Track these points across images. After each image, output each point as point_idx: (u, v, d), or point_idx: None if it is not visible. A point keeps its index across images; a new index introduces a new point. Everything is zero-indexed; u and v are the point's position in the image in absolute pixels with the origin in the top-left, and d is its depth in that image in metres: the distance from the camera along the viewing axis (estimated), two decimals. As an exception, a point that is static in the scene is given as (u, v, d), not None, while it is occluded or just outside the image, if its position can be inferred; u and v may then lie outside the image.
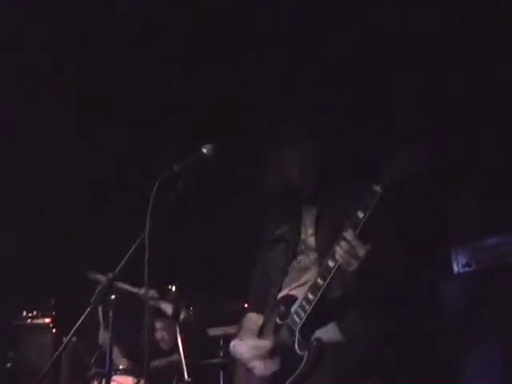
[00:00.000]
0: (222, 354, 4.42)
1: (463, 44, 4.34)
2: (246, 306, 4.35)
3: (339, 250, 2.69)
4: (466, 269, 4.06)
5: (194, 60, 4.99)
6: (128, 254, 2.74)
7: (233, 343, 3.08)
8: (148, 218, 2.69)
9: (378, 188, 2.71)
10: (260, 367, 2.88)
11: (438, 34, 4.38)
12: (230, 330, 4.41)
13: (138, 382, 3.79)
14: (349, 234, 2.68)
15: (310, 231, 3.06)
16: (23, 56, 4.86)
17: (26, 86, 4.99)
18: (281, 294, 3.00)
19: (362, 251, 2.65)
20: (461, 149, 4.31)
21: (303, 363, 2.74)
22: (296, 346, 2.79)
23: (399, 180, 2.71)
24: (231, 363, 3.16)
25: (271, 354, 2.88)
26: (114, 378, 3.74)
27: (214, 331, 4.53)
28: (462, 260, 4.08)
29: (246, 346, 2.98)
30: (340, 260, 2.70)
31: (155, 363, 4.24)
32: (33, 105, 5.09)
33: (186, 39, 4.90)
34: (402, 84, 4.51)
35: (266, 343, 2.92)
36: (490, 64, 4.30)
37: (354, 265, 2.67)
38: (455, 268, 4.10)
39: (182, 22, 4.81)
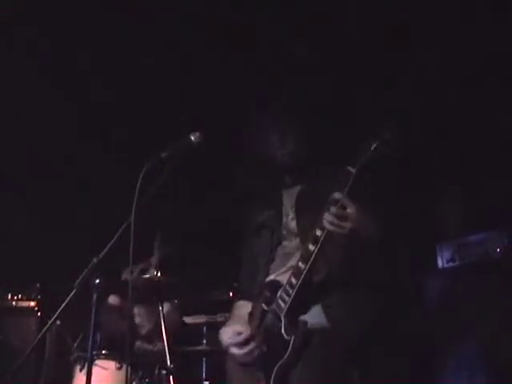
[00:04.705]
0: (205, 342, 4.43)
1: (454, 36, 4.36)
2: (231, 294, 4.41)
3: (328, 216, 2.70)
4: (450, 264, 4.08)
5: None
6: (113, 240, 2.74)
7: (220, 331, 3.14)
8: (134, 204, 2.70)
9: (352, 169, 2.74)
10: (239, 353, 2.95)
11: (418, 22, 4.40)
12: (215, 318, 4.44)
13: (121, 366, 3.79)
14: (338, 194, 2.71)
15: (291, 215, 3.09)
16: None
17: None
18: (267, 280, 3.04)
19: (352, 209, 2.68)
20: (447, 143, 4.33)
21: (290, 348, 2.76)
22: (283, 331, 2.81)
23: (372, 160, 2.74)
24: (221, 353, 3.20)
25: (249, 339, 2.94)
26: (97, 362, 3.74)
27: (189, 319, 4.56)
28: (447, 255, 4.10)
29: (227, 333, 3.06)
30: (329, 226, 2.69)
31: (137, 344, 4.25)
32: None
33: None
34: (386, 73, 4.53)
35: (244, 329, 2.98)
36: (481, 59, 4.31)
37: (346, 227, 2.68)
38: (439, 263, 4.12)
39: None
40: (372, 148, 2.73)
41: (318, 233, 2.76)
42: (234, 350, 2.98)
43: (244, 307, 3.19)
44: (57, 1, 4.69)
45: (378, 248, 2.81)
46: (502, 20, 4.24)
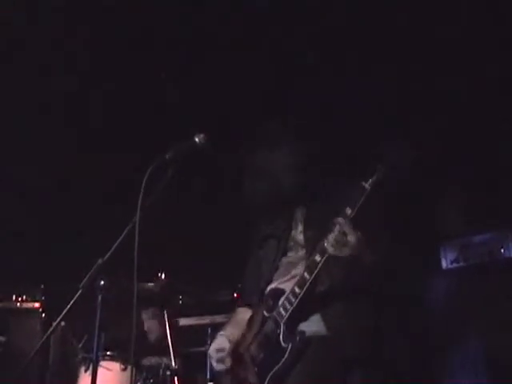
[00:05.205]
0: (209, 342, 4.43)
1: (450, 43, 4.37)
2: (235, 295, 4.42)
3: (331, 238, 2.69)
4: (454, 265, 4.08)
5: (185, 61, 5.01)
6: (118, 241, 2.74)
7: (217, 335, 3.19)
8: (138, 205, 2.69)
9: (366, 185, 2.72)
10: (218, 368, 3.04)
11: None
12: (219, 319, 4.44)
13: (126, 367, 3.81)
14: (341, 220, 2.69)
15: (300, 228, 3.10)
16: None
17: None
18: (269, 288, 3.06)
19: (352, 237, 2.66)
20: (448, 146, 4.33)
21: (286, 355, 2.78)
22: (280, 339, 2.83)
23: (387, 177, 2.71)
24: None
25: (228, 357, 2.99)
26: (102, 363, 3.75)
27: (184, 321, 4.58)
28: (451, 256, 4.11)
29: (214, 345, 3.11)
30: (330, 249, 2.70)
31: (146, 362, 4.26)
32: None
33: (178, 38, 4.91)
34: (389, 82, 4.53)
35: (227, 346, 3.02)
36: (481, 60, 4.31)
37: (345, 252, 2.68)
38: (443, 264, 4.12)
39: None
40: (387, 165, 2.71)
41: (326, 245, 2.76)
42: (214, 364, 3.06)
43: (243, 313, 3.23)
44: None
45: (377, 271, 2.82)
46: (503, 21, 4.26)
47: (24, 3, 4.70)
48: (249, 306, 3.24)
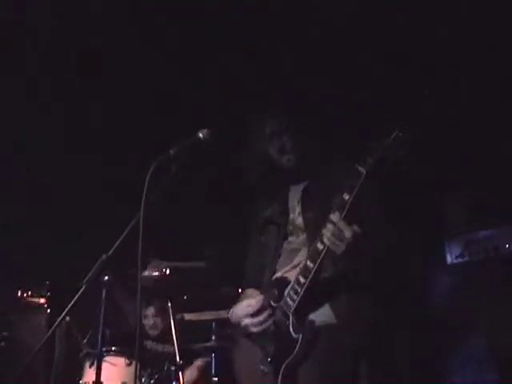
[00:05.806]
0: (214, 338, 4.44)
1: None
2: (240, 291, 4.43)
3: (326, 233, 2.70)
4: (459, 260, 4.10)
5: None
6: (122, 237, 2.75)
7: (231, 310, 3.15)
8: (143, 201, 2.70)
9: (362, 169, 2.71)
10: (252, 323, 2.95)
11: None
12: (223, 314, 4.45)
13: (131, 363, 3.81)
14: (335, 217, 2.69)
15: (298, 210, 3.08)
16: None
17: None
18: (274, 277, 3.04)
19: (348, 233, 2.66)
20: (451, 142, 4.35)
21: (298, 346, 2.77)
22: (291, 329, 2.82)
23: (382, 161, 2.71)
24: (230, 349, 3.19)
25: (260, 310, 2.94)
26: (107, 358, 3.77)
27: (189, 316, 4.60)
28: (456, 251, 4.12)
29: (240, 306, 3.06)
30: (328, 243, 2.71)
31: (148, 344, 4.28)
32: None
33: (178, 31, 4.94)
34: (388, 82, 4.56)
35: (258, 298, 2.97)
36: (478, 62, 4.34)
37: (341, 247, 2.68)
38: (448, 259, 4.14)
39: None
40: (383, 148, 2.70)
41: (324, 239, 2.76)
42: (247, 321, 2.97)
43: (251, 293, 3.18)
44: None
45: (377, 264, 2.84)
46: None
47: (24, 3, 4.71)
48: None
